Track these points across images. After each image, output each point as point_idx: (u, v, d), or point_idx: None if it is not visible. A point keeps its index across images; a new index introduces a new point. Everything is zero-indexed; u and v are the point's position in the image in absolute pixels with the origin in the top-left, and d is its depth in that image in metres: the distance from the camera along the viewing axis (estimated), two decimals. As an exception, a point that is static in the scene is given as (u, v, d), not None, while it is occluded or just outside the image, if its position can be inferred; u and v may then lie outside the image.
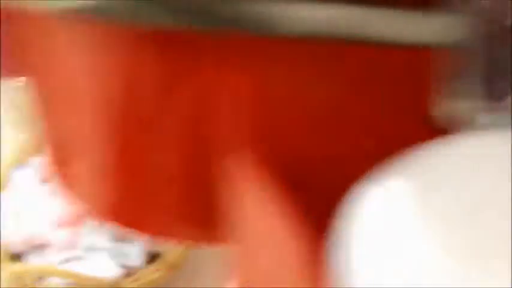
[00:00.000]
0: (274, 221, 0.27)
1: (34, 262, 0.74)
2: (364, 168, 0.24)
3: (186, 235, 0.35)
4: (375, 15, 0.25)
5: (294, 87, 0.28)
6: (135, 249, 0.70)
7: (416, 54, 0.24)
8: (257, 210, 0.28)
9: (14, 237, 0.75)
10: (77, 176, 0.35)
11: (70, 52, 0.30)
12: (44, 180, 0.73)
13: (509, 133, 0.22)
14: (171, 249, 0.70)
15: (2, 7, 0.29)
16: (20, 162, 0.80)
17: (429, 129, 0.24)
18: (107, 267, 0.71)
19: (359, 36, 0.25)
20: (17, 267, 0.76)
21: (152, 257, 0.71)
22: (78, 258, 0.72)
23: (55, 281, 0.73)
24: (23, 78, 0.36)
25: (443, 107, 0.23)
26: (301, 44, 0.26)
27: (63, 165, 0.35)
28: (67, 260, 0.73)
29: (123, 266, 0.71)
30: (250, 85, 0.28)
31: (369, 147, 0.27)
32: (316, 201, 0.27)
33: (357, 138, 0.28)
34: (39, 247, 0.75)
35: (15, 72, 0.36)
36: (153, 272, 0.71)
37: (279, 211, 0.26)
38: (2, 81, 0.39)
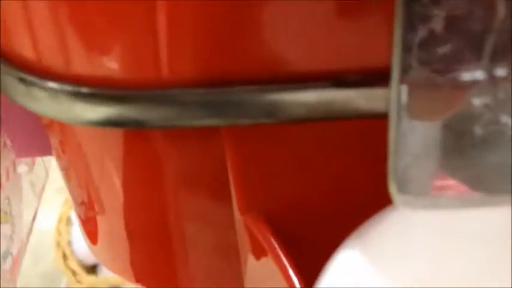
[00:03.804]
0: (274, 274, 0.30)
1: (108, 273, 0.79)
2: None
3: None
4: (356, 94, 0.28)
5: (292, 161, 0.31)
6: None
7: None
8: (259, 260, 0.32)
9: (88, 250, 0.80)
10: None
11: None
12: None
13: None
14: None
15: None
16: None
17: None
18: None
19: (344, 112, 0.28)
20: (92, 279, 0.81)
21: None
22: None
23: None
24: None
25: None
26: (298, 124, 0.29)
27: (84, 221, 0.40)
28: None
29: None
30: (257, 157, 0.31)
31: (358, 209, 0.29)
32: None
33: (347, 203, 0.32)
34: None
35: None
36: None
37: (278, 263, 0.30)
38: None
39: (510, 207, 0.24)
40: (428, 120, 0.23)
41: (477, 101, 0.22)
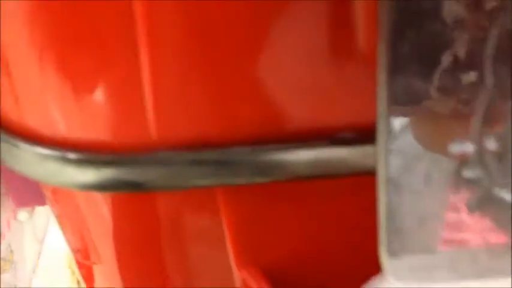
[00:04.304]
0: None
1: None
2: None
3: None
4: (353, 152, 0.27)
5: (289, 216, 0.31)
6: None
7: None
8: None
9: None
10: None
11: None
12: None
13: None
14: None
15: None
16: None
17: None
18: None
19: (341, 170, 0.28)
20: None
21: None
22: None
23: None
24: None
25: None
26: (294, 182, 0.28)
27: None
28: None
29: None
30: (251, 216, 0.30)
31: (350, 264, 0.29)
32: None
33: (346, 258, 0.31)
34: None
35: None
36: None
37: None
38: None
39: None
40: (439, 153, 0.22)
41: (468, 173, 0.21)
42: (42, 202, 0.38)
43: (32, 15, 0.26)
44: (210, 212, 0.30)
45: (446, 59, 0.20)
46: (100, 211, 0.32)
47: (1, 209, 0.39)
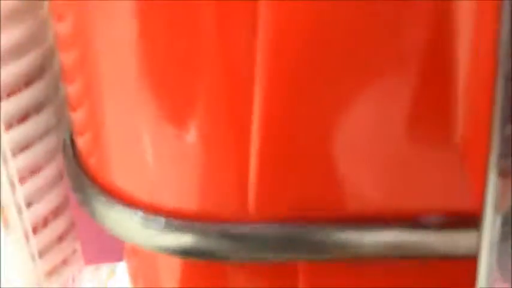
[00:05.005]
0: None
1: None
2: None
3: None
4: (435, 237, 0.29)
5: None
6: None
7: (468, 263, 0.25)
8: None
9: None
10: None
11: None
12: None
13: None
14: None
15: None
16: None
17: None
18: None
19: (422, 253, 0.29)
20: None
21: None
22: None
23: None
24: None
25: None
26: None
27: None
28: None
29: None
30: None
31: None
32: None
33: None
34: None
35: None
36: None
37: None
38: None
39: None
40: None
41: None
42: (113, 259, 0.40)
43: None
44: (288, 285, 0.32)
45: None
46: (176, 273, 0.34)
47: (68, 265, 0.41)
